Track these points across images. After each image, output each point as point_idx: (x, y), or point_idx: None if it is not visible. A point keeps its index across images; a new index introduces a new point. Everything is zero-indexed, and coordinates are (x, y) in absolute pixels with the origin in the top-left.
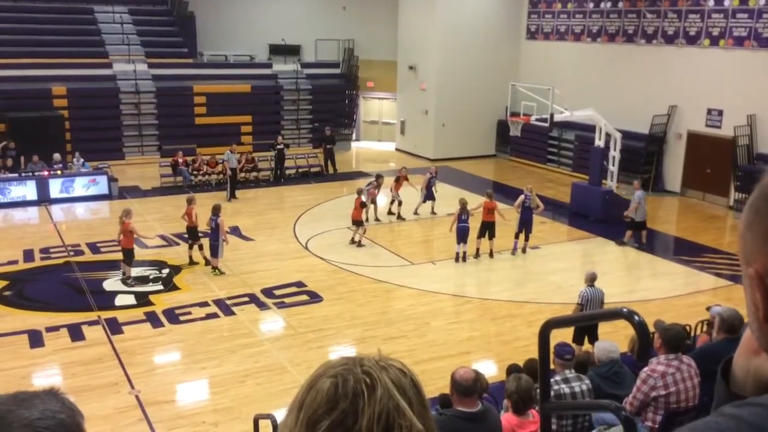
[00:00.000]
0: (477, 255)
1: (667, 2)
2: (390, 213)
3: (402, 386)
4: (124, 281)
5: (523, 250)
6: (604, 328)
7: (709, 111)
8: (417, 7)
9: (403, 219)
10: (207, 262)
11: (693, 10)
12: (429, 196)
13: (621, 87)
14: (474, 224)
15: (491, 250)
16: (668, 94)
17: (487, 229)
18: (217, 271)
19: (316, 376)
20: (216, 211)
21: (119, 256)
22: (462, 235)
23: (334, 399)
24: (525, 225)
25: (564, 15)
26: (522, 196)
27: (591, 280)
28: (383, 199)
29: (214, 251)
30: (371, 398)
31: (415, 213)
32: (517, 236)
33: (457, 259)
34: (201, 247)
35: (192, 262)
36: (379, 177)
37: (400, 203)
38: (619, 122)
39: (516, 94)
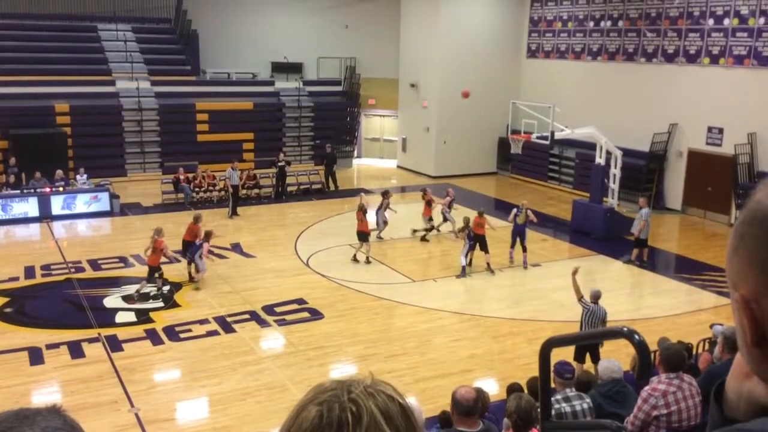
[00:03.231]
0: (470, 264)
1: (667, 21)
2: (424, 239)
3: (389, 414)
4: (138, 296)
5: (524, 266)
6: (605, 346)
7: (710, 129)
8: (418, 25)
9: (427, 240)
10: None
11: (693, 29)
12: (446, 218)
13: (621, 105)
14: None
15: (488, 264)
16: (669, 112)
17: (479, 241)
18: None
19: (304, 403)
20: (207, 237)
21: (120, 273)
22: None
23: (318, 429)
24: (518, 236)
25: (564, 33)
26: (514, 210)
27: (595, 298)
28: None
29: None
30: (356, 428)
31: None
32: (512, 246)
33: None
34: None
35: (192, 279)
36: (386, 193)
37: (437, 228)
38: (620, 140)
39: (517, 112)
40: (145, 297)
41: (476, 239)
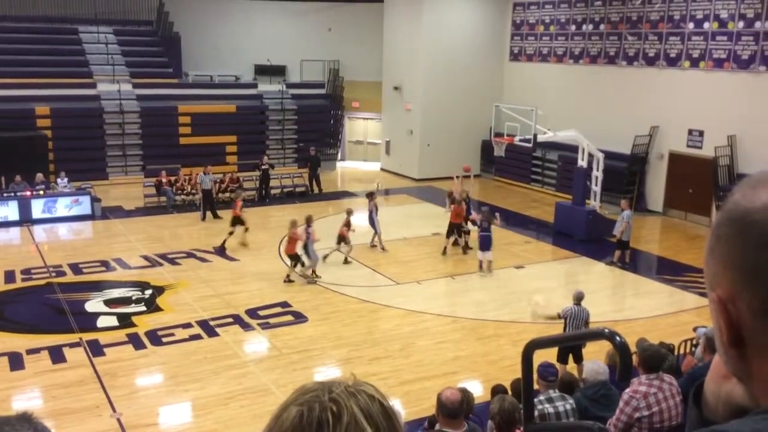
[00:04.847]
0: (466, 244)
1: (648, 25)
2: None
3: (370, 413)
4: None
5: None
6: (588, 347)
7: (690, 131)
8: (402, 28)
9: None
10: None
11: (673, 33)
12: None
13: (603, 108)
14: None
15: (453, 243)
16: (650, 114)
17: (455, 228)
18: (313, 275)
19: (285, 404)
20: (309, 222)
21: (101, 277)
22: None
23: (299, 428)
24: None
25: (546, 37)
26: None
27: (578, 299)
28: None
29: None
30: (336, 427)
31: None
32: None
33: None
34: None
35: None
36: (370, 194)
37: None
38: (602, 143)
39: (500, 115)
40: (126, 301)
41: (451, 227)
